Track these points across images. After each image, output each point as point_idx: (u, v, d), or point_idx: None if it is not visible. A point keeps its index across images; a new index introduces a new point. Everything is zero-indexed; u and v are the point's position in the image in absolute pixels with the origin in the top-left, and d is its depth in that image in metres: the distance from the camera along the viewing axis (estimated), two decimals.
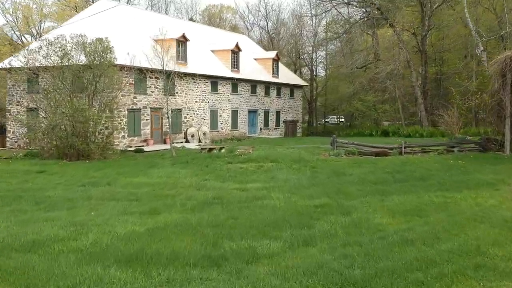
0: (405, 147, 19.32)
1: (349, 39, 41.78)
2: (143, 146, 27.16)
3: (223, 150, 21.94)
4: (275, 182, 13.57)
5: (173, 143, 30.16)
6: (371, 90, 39.27)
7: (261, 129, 40.20)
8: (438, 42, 40.34)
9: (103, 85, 21.76)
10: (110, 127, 25.51)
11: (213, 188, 12.73)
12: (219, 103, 34.76)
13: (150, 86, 28.22)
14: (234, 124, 36.70)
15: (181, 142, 30.36)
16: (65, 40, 21.74)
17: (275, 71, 41.73)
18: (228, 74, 35.15)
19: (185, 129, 31.33)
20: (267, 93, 40.74)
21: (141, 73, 23.53)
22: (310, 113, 55.85)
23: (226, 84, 35.40)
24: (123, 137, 26.56)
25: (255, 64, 41.15)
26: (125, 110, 26.50)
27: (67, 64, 21.21)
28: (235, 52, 36.38)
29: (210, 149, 21.94)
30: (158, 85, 28.44)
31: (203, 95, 32.98)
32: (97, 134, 22.23)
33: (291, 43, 57.71)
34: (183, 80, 30.90)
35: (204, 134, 32.59)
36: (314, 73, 54.02)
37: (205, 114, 33.30)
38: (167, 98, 22.11)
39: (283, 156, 18.82)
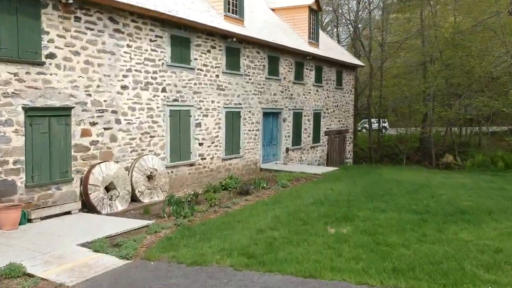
0: None
1: None
2: None
3: None
4: None
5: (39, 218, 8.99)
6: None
7: (287, 149, 19.41)
8: None
9: None
10: None
11: None
12: (195, 93, 13.89)
13: None
14: (232, 143, 15.87)
15: (68, 213, 9.55)
16: None
17: (314, 35, 20.98)
18: (219, 23, 14.31)
19: (87, 169, 10.41)
20: (299, 76, 19.88)
21: None
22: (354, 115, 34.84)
23: (214, 46, 14.52)
24: None
25: (273, 17, 20.43)
26: None
27: None
28: None
29: None
30: None
31: (149, 70, 12.11)
32: None
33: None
34: (78, 19, 10.09)
35: (151, 176, 11.81)
36: (367, 50, 32.38)
37: (153, 121, 12.45)
38: None
39: None
